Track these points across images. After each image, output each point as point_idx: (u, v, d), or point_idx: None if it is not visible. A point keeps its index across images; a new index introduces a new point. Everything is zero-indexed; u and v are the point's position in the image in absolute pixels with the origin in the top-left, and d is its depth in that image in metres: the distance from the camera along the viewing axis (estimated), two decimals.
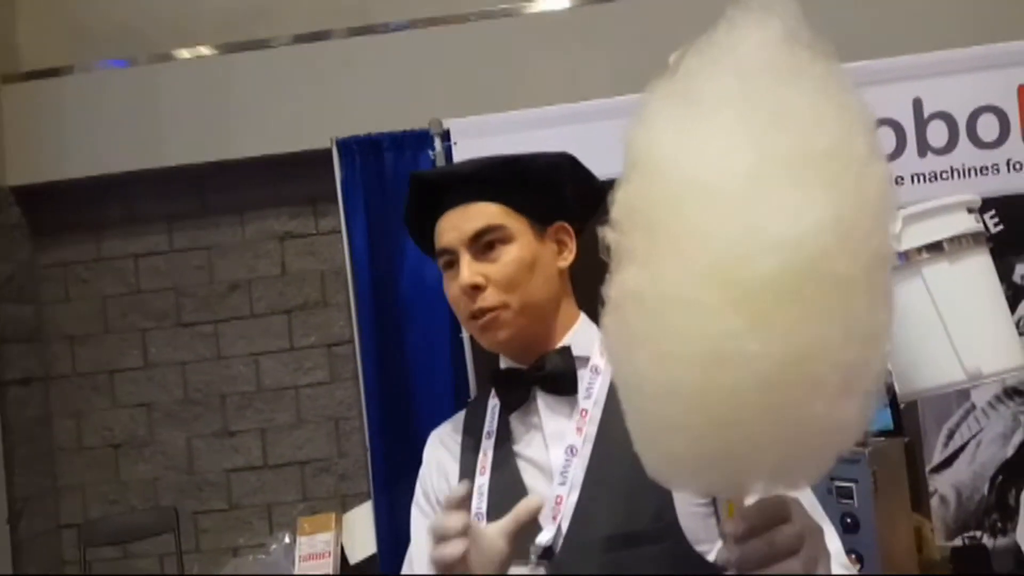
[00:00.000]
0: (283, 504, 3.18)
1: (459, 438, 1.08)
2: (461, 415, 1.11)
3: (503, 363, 1.07)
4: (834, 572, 0.83)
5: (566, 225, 1.05)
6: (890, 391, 1.73)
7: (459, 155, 2.58)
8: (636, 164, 0.66)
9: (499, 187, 1.01)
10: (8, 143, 3.10)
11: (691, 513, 0.91)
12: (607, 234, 0.67)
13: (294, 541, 3.00)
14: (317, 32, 3.10)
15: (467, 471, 1.04)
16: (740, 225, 0.58)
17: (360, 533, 2.94)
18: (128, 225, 3.26)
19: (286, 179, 3.17)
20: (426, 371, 2.62)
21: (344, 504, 3.11)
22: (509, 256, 0.99)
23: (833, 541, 0.90)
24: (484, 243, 0.99)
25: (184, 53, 3.14)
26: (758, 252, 0.57)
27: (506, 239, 1.00)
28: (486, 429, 1.04)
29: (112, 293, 3.26)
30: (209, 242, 3.24)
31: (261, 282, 3.23)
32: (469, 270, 0.99)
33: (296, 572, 2.93)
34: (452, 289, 1.02)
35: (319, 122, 2.88)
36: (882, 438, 1.74)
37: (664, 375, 0.61)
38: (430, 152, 2.66)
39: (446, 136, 2.64)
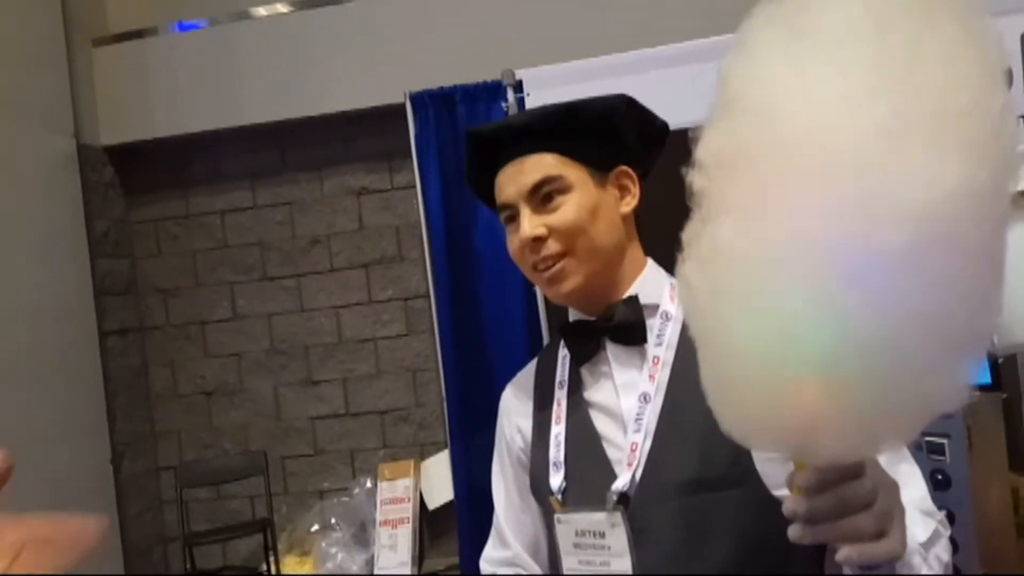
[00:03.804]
0: (365, 451, 3.29)
1: (531, 390, 1.09)
2: (532, 366, 1.12)
3: (572, 315, 1.06)
4: (913, 519, 0.80)
5: (628, 170, 1.02)
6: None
7: (532, 105, 2.55)
8: (735, 101, 0.59)
9: (554, 137, 0.99)
10: (101, 104, 3.24)
11: (768, 458, 0.90)
12: (693, 177, 0.62)
13: (375, 486, 3.12)
14: None
15: (542, 421, 1.05)
16: (867, 189, 0.52)
17: (438, 480, 3.03)
18: (214, 182, 3.38)
19: (362, 134, 3.22)
20: (500, 322, 2.65)
21: (422, 452, 3.20)
22: (569, 205, 0.97)
23: (914, 485, 0.86)
24: (543, 195, 0.98)
25: (261, 11, 3.19)
26: (887, 222, 0.52)
27: (564, 189, 0.98)
28: (558, 379, 1.05)
29: (201, 248, 3.40)
30: (290, 198, 3.33)
31: (340, 237, 3.30)
32: (530, 223, 0.98)
33: (378, 515, 3.05)
34: (514, 243, 1.01)
35: (393, 76, 2.89)
36: (978, 392, 1.66)
37: (760, 338, 0.57)
38: (503, 104, 2.64)
39: (519, 87, 2.61)
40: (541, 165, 0.99)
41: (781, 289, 0.55)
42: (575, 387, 1.03)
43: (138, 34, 3.25)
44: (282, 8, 3.17)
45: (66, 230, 3.04)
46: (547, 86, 2.57)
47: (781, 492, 0.89)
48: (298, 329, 3.33)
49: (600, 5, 2.90)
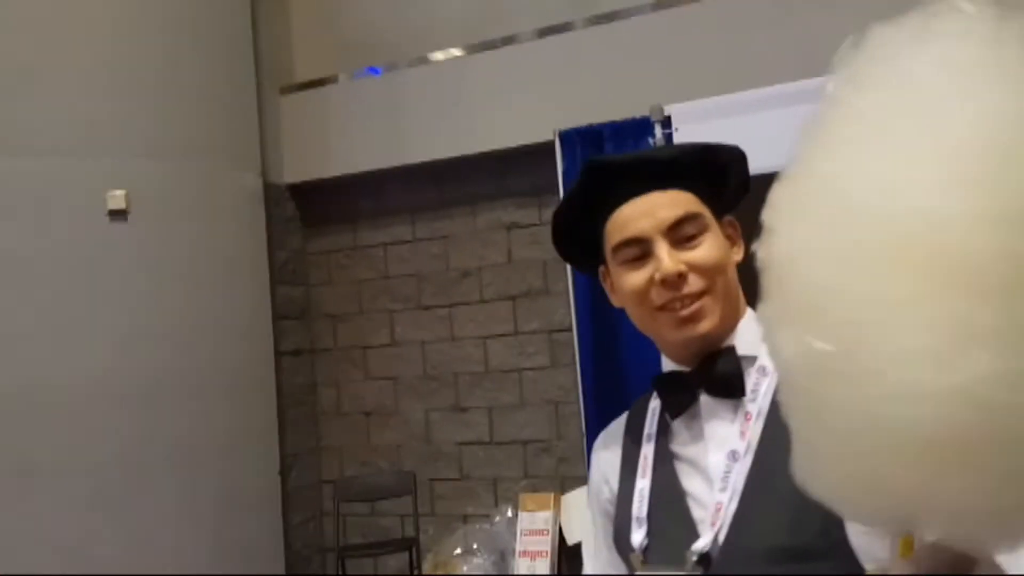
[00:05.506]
0: (507, 479, 3.35)
1: (621, 440, 1.07)
2: (624, 417, 1.10)
3: (665, 366, 1.03)
4: None
5: (734, 220, 1.01)
6: None
7: (681, 141, 2.53)
8: (808, 176, 0.59)
9: (692, 175, 0.98)
10: (285, 147, 3.58)
11: (864, 531, 0.83)
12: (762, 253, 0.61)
13: (516, 515, 3.16)
14: (550, 27, 3.16)
15: (628, 474, 1.03)
16: (973, 267, 0.52)
17: (577, 515, 3.01)
18: (378, 217, 3.61)
19: (513, 171, 3.32)
20: (640, 359, 2.61)
21: (562, 485, 3.20)
22: (709, 244, 0.95)
23: None
24: (683, 231, 0.95)
25: (439, 55, 3.38)
26: (993, 298, 0.51)
27: (704, 228, 0.96)
28: (646, 431, 1.02)
29: (366, 278, 3.64)
30: (445, 232, 3.50)
31: (489, 270, 3.42)
32: (671, 258, 0.93)
33: (518, 545, 3.08)
34: (635, 280, 0.96)
35: (544, 115, 2.97)
36: None
37: (886, 414, 0.54)
38: (650, 139, 2.64)
39: (667, 123, 2.61)
40: (684, 200, 0.96)
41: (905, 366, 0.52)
42: (664, 440, 1.00)
43: (321, 82, 3.57)
44: (456, 52, 3.35)
45: (251, 259, 3.36)
46: (696, 120, 2.54)
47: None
48: (449, 357, 3.47)
49: (747, 39, 2.84)
